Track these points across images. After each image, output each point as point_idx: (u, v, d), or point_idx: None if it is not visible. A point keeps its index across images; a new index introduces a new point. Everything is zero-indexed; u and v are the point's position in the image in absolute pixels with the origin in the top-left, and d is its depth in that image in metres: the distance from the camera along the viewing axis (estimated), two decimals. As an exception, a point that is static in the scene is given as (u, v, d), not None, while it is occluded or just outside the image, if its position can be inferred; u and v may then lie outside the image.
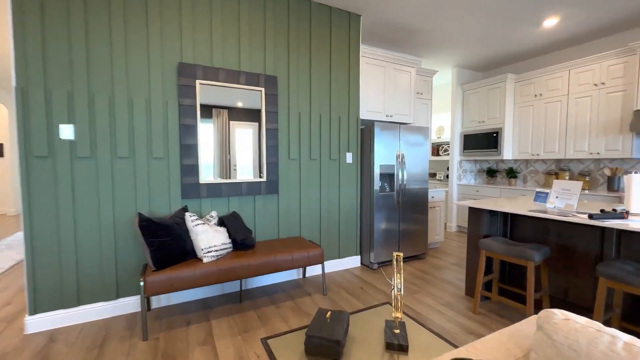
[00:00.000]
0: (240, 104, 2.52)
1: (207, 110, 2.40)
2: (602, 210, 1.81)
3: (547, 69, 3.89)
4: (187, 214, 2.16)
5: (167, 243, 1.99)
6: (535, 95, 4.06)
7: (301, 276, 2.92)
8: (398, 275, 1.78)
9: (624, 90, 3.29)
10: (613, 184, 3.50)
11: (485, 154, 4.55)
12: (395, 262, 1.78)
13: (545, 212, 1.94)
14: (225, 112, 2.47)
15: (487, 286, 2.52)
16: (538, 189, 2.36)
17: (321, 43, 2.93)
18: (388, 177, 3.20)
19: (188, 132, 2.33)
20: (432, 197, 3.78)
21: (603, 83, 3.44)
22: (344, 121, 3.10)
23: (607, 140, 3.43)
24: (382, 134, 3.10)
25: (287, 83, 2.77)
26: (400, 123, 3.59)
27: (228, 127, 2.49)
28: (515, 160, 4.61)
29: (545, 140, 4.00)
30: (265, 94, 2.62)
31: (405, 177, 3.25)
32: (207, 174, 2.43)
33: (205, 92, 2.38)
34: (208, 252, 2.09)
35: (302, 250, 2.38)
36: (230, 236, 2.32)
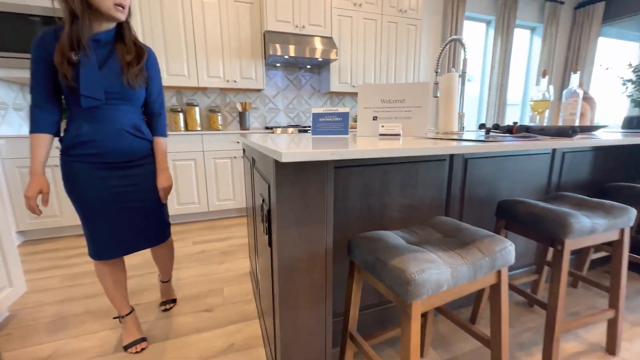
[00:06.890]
0: None
1: None
2: (496, 126, 1.01)
3: None
4: None
5: None
6: (142, -26, 2.40)
7: None
8: None
9: (251, 2, 2.71)
10: (245, 122, 3.03)
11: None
12: None
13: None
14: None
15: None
16: (315, 111, 1.09)
17: None
18: None
19: None
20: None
21: (229, -14, 2.63)
22: None
23: (241, 65, 2.79)
24: None
25: None
26: None
27: None
28: (117, 91, 2.72)
29: (167, 55, 2.58)
30: None
31: None
32: None
33: None
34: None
35: None
36: None
